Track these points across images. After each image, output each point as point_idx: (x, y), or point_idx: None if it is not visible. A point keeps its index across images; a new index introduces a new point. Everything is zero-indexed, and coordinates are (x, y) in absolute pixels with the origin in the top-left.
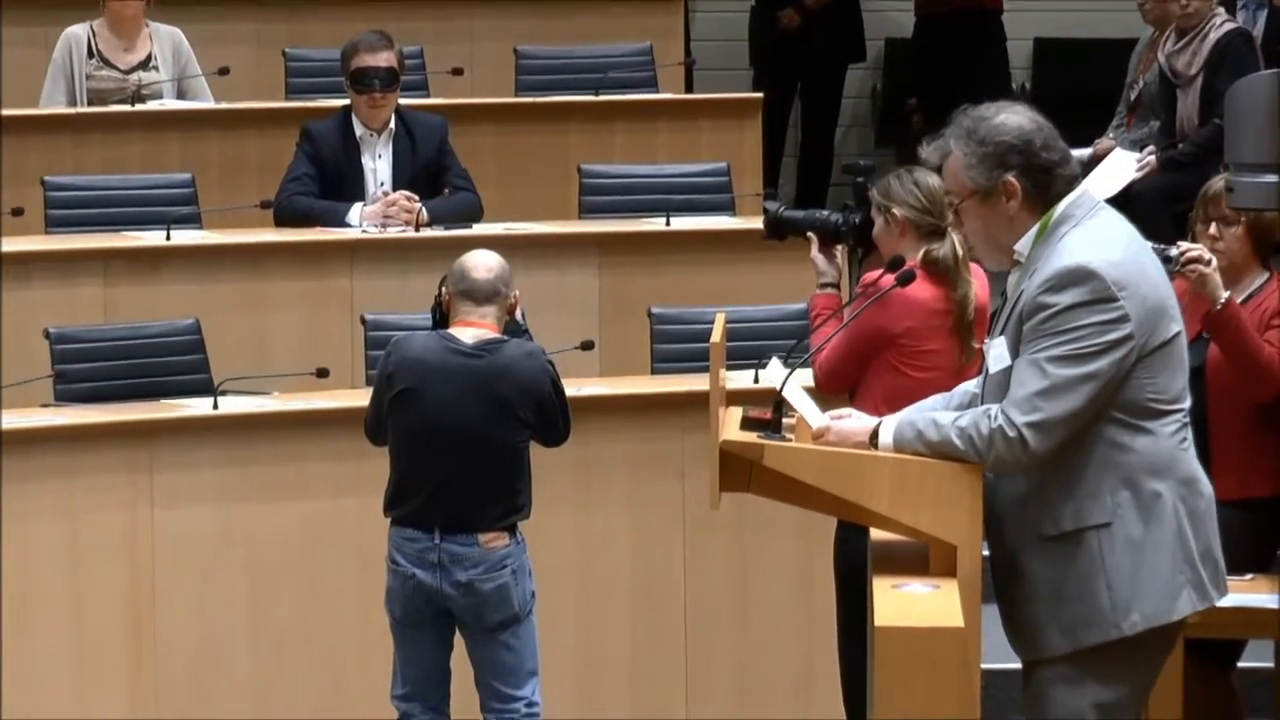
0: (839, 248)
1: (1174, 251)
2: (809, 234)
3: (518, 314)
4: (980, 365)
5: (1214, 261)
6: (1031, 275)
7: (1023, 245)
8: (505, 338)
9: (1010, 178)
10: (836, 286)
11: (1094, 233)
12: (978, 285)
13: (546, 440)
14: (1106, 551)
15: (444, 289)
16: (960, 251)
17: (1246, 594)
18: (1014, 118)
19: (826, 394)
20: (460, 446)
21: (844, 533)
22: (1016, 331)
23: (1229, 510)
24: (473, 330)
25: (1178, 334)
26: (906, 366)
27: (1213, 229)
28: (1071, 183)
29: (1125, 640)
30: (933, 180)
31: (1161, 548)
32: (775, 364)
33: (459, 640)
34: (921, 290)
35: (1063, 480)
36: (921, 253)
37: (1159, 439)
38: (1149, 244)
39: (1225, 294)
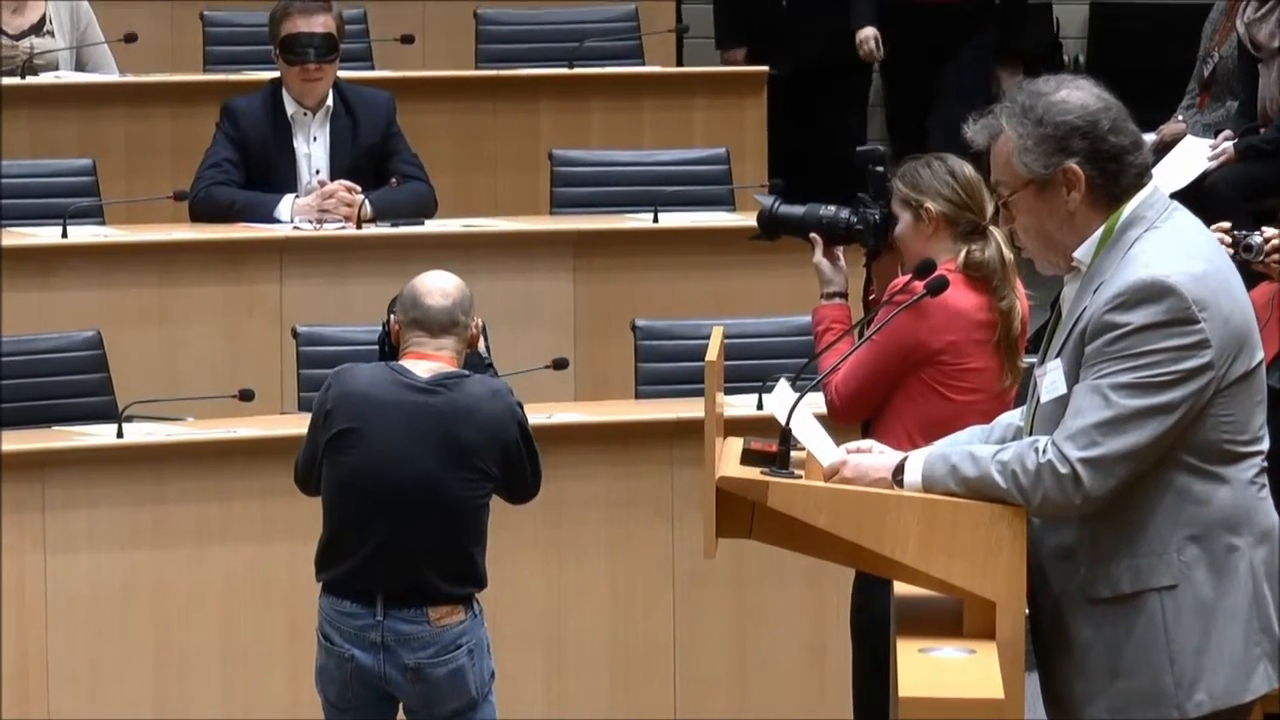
0: (841, 250)
1: (1257, 239)
2: (812, 235)
3: (480, 346)
4: (1022, 390)
5: None
6: (1096, 289)
7: (1084, 253)
8: (466, 372)
9: (1072, 165)
10: (845, 296)
11: (1171, 240)
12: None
13: (512, 496)
14: (1171, 619)
15: (392, 316)
16: (1008, 254)
17: None
18: (1078, 94)
19: (842, 424)
20: (409, 500)
21: (863, 587)
22: (1076, 354)
23: None
24: (427, 364)
25: (1260, 363)
26: (947, 389)
27: None
28: (1143, 175)
29: None
30: (969, 170)
31: (1235, 615)
32: (782, 387)
33: None
34: (963, 298)
35: (1121, 533)
36: (963, 254)
37: (1235, 487)
38: (1226, 227)
39: None
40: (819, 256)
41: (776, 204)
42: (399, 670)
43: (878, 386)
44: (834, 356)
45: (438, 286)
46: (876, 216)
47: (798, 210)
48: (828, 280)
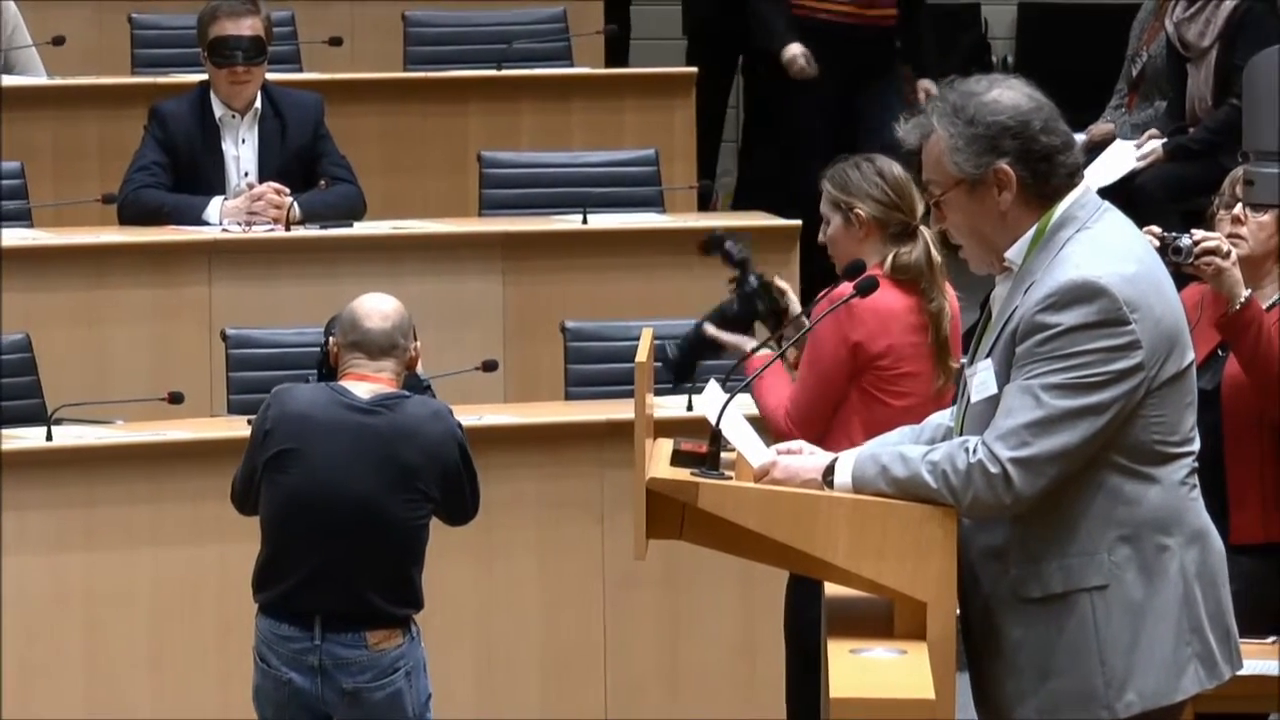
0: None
1: (1186, 241)
2: (726, 341)
3: (418, 368)
4: (954, 393)
5: (1233, 254)
6: (1028, 289)
7: (1015, 253)
8: (406, 393)
9: (1003, 165)
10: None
11: (1102, 240)
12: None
13: (451, 517)
14: (1102, 619)
15: (331, 337)
16: (937, 255)
17: (1267, 660)
18: (1009, 94)
19: None
20: (349, 521)
21: (795, 587)
22: (1007, 354)
23: (1247, 557)
24: (367, 385)
25: (1191, 364)
26: (886, 393)
27: (1238, 210)
28: (1074, 175)
29: None
30: (898, 170)
31: (1165, 615)
32: (713, 388)
33: None
34: (894, 301)
35: (1051, 533)
36: (890, 259)
37: (1166, 488)
38: (1155, 230)
39: (1246, 292)
40: (740, 342)
41: (670, 352)
42: (337, 694)
43: (827, 400)
44: (761, 361)
45: (377, 309)
46: (753, 284)
47: (691, 338)
48: (742, 344)
